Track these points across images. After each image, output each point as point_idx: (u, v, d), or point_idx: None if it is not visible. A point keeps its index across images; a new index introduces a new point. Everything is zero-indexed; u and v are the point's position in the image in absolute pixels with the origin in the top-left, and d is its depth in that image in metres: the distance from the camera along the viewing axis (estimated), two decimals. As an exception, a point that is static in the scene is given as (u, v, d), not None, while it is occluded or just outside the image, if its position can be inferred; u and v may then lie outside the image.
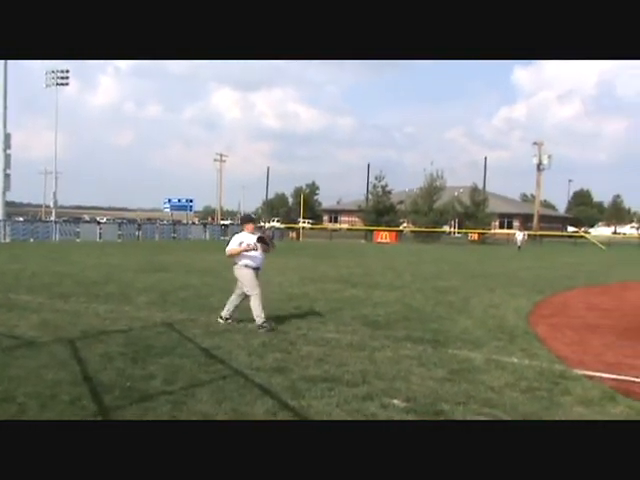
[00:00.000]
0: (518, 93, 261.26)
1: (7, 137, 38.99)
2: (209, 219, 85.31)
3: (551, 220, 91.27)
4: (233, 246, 8.83)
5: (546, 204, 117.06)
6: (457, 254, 35.06)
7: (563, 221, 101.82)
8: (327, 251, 34.11)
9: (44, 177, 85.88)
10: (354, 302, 11.78)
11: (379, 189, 60.87)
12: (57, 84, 55.43)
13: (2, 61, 37.86)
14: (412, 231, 59.40)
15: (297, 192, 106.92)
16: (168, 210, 73.98)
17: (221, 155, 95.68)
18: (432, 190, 58.41)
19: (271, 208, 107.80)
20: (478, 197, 61.01)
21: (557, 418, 5.09)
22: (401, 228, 61.54)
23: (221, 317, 9.04)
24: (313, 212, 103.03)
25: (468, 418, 5.01)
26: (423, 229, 56.56)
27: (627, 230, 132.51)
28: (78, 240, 37.61)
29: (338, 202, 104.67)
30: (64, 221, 44.95)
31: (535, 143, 73.90)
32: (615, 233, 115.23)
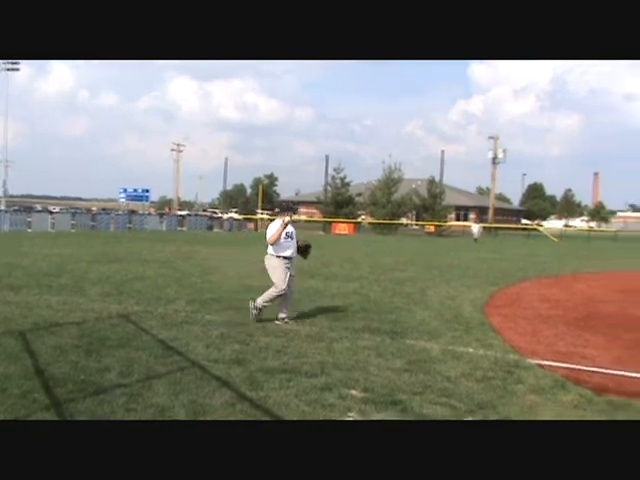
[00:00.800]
0: (474, 87, 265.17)
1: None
2: (166, 209, 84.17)
3: (506, 213, 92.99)
4: (270, 233, 8.64)
5: (501, 197, 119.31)
6: (414, 246, 35.46)
7: (517, 214, 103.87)
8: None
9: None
10: (312, 293, 11.80)
11: (338, 181, 61.10)
12: (7, 69, 53.78)
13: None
14: (370, 223, 59.81)
15: (256, 183, 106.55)
16: (124, 200, 72.79)
17: (178, 145, 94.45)
18: (390, 182, 58.90)
19: (229, 199, 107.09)
20: (435, 190, 61.84)
21: (511, 406, 5.20)
22: (359, 220, 61.89)
23: (278, 319, 8.64)
24: (271, 203, 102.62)
25: (424, 409, 5.08)
26: (381, 221, 57.01)
27: (577, 223, 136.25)
28: (29, 230, 36.65)
29: (297, 194, 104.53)
30: (14, 210, 43.73)
31: (491, 137, 75.13)
32: (566, 226, 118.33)
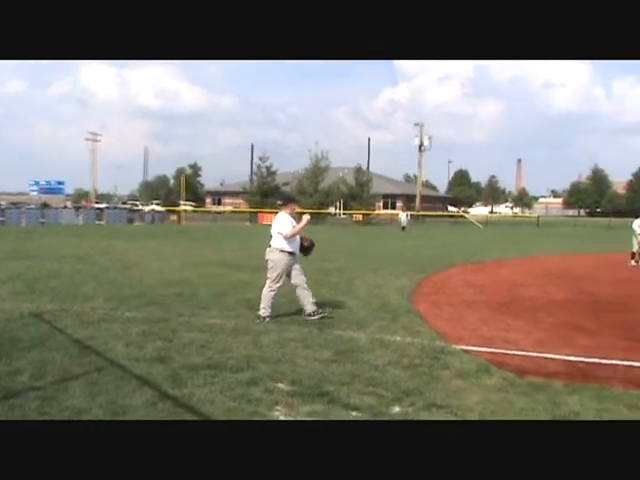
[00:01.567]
0: (400, 75, 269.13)
1: None
2: (83, 202, 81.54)
3: (433, 200, 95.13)
4: (289, 228, 8.50)
5: (428, 185, 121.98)
6: (342, 235, 35.80)
7: (444, 201, 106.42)
8: (210, 234, 33.69)
9: None
10: (238, 286, 11.74)
11: (263, 170, 60.85)
12: None
13: None
14: (298, 212, 59.68)
15: (178, 173, 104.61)
16: (36, 193, 69.93)
17: (94, 134, 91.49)
18: (317, 171, 59.13)
19: (150, 190, 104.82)
20: (362, 178, 62.56)
21: (437, 392, 5.35)
22: (286, 210, 61.73)
23: (308, 314, 8.49)
24: (195, 194, 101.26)
25: (352, 399, 5.15)
26: (308, 210, 57.19)
27: (502, 209, 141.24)
28: None
29: (221, 184, 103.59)
30: None
31: (416, 124, 76.50)
32: (491, 212, 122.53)
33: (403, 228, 45.08)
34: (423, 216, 64.51)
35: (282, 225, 8.62)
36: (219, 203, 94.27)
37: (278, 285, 8.55)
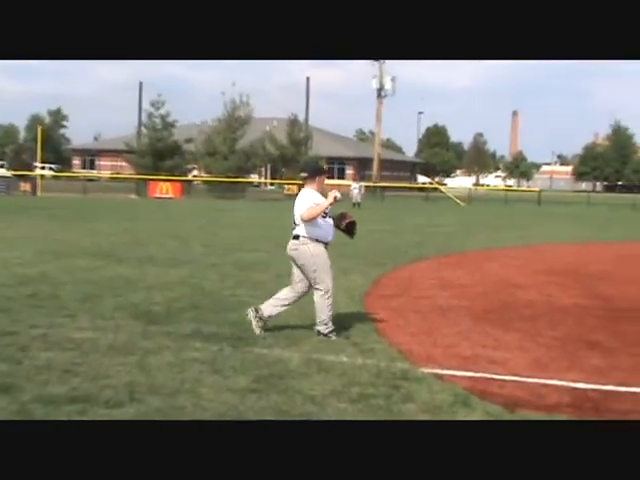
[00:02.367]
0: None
1: None
2: None
3: (396, 167, 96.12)
4: (310, 208, 8.45)
5: (390, 145, 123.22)
6: (269, 214, 35.77)
7: (412, 168, 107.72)
8: (79, 211, 33.14)
9: None
10: (119, 285, 11.65)
11: (157, 120, 60.11)
12: None
13: None
14: (206, 182, 59.54)
15: (34, 123, 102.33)
16: None
17: None
18: (234, 123, 58.75)
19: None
20: (298, 134, 62.55)
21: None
22: (190, 177, 61.41)
23: (258, 317, 8.60)
24: (58, 153, 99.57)
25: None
26: (222, 179, 56.91)
27: (491, 181, 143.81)
28: None
29: (96, 138, 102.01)
30: None
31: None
32: (477, 184, 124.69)
33: (356, 205, 45.36)
34: (382, 188, 65.11)
35: (303, 204, 8.60)
36: (92, 166, 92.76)
37: (330, 285, 8.57)
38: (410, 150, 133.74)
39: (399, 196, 65.12)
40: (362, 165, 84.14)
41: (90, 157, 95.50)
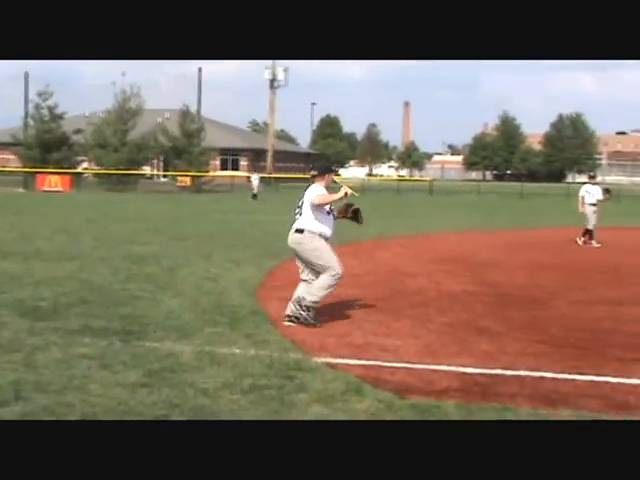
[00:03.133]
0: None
1: None
2: None
3: (291, 158, 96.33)
4: (322, 195, 9.06)
5: (284, 136, 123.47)
6: (162, 207, 35.44)
7: (306, 159, 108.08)
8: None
9: None
10: (4, 281, 11.39)
11: (45, 111, 58.71)
12: None
13: None
14: (96, 174, 58.45)
15: None
16: None
17: None
18: (125, 114, 57.92)
19: None
20: (191, 125, 62.03)
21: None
22: (80, 170, 60.15)
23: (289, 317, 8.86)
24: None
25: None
26: (112, 171, 55.98)
27: (384, 171, 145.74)
28: None
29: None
30: None
31: (267, 50, 76.86)
32: (370, 175, 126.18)
33: (255, 196, 45.29)
34: (277, 179, 65.18)
35: (314, 193, 9.14)
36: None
37: (340, 270, 8.90)
38: (304, 141, 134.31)
39: (293, 187, 65.19)
40: (256, 156, 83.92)
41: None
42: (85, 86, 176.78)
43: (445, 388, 6.46)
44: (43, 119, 58.73)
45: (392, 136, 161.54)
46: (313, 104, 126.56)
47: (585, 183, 22.13)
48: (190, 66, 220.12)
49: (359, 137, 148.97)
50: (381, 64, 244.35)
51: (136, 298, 10.24)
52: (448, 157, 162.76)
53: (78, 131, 58.90)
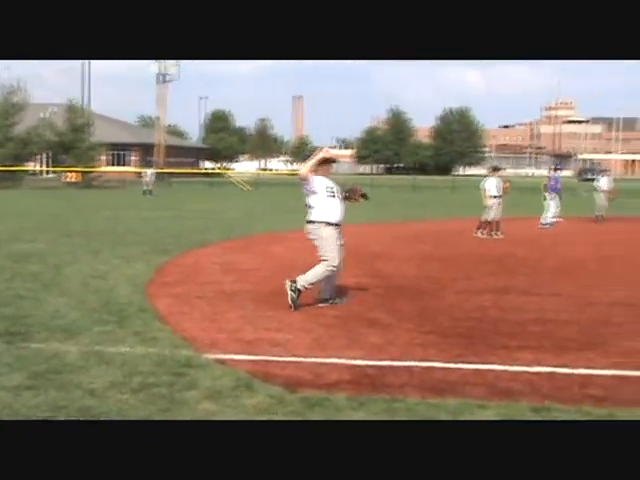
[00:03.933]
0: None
1: None
2: None
3: (181, 152, 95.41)
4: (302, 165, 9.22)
5: (174, 131, 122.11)
6: (48, 203, 34.61)
7: (197, 154, 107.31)
8: None
9: None
10: None
11: None
12: None
13: None
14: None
15: None
16: None
17: None
18: (10, 109, 56.30)
19: None
20: (78, 120, 60.77)
21: (179, 419, 5.41)
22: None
23: (325, 300, 9.88)
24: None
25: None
26: (-4, 167, 54.30)
27: (276, 165, 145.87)
28: None
29: None
30: None
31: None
32: (263, 169, 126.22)
33: (148, 192, 44.72)
34: (169, 174, 64.46)
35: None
36: None
37: (336, 263, 9.60)
38: (195, 136, 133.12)
39: (185, 182, 64.74)
40: (146, 151, 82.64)
41: None
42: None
43: (335, 381, 6.51)
44: None
45: (284, 130, 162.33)
46: (202, 99, 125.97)
47: (487, 176, 22.67)
48: (72, 63, 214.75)
49: (250, 131, 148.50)
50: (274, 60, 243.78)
51: (20, 298, 9.97)
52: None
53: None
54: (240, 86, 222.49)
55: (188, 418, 5.47)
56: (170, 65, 75.13)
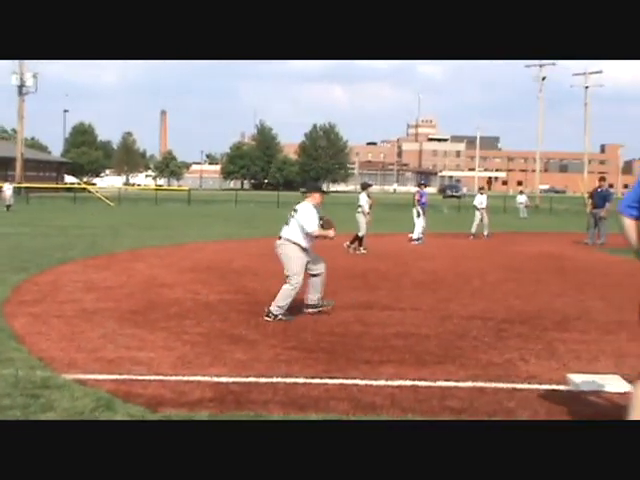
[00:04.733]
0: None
1: None
2: None
3: (42, 167, 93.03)
4: (316, 226, 10.38)
5: (35, 144, 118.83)
6: None
7: (59, 168, 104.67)
8: None
9: None
10: None
11: None
12: None
13: None
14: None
15: None
16: None
17: None
18: None
19: None
20: None
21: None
22: None
23: (308, 306, 10.67)
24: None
25: None
26: None
27: (142, 180, 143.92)
28: None
29: None
30: None
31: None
32: (127, 184, 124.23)
33: (8, 207, 43.44)
34: (28, 189, 62.53)
35: (309, 220, 10.37)
36: None
37: (300, 282, 10.28)
38: (57, 149, 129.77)
39: (46, 197, 62.96)
40: (4, 165, 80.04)
41: None
42: None
43: (199, 399, 6.47)
44: None
45: (150, 145, 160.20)
46: (66, 111, 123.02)
47: (360, 192, 22.95)
48: None
49: (115, 145, 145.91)
50: (137, 70, 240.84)
51: None
52: (206, 166, 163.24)
53: None
54: (104, 100, 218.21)
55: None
56: (28, 77, 72.92)
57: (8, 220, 33.50)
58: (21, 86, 72.83)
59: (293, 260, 10.29)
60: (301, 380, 7.16)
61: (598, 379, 7.27)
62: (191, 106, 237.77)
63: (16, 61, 72.24)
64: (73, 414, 5.94)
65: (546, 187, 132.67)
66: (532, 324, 10.36)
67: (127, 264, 16.81)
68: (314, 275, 10.60)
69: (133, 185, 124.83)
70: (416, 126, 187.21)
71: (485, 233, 28.17)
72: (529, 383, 7.31)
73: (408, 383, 7.15)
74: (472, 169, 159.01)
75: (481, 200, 29.15)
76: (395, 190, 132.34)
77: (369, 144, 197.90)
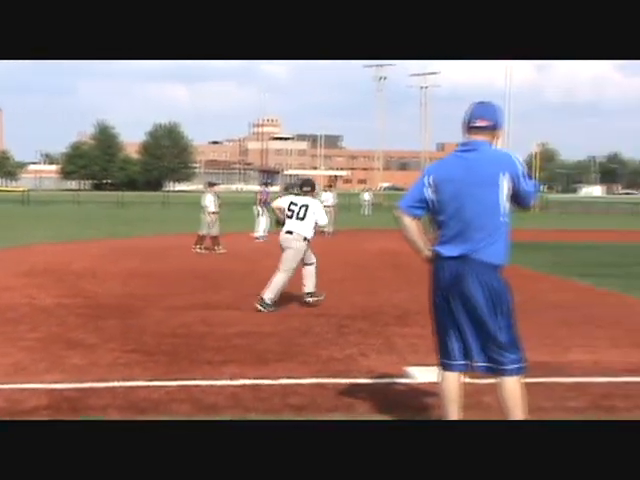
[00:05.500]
0: None
1: None
2: None
3: None
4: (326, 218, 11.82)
5: None
6: None
7: None
8: None
9: None
10: None
11: None
12: None
13: None
14: None
15: None
16: None
17: None
18: None
19: None
20: None
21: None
22: None
23: (308, 294, 11.52)
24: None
25: None
26: None
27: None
28: None
29: None
30: None
31: None
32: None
33: None
34: None
35: (324, 214, 11.59)
36: None
37: (291, 274, 11.18)
38: None
39: None
40: None
41: None
42: None
43: (33, 407, 6.26)
44: None
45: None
46: None
47: (204, 192, 22.83)
48: None
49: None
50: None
51: None
52: (44, 166, 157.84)
53: None
54: None
55: None
56: None
57: None
58: None
59: (299, 256, 11.12)
60: (141, 383, 7.05)
61: (435, 370, 7.51)
62: (29, 105, 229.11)
63: None
64: None
65: (388, 185, 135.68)
66: (373, 319, 10.58)
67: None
68: (309, 264, 11.46)
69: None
70: (260, 125, 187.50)
71: (330, 230, 28.53)
72: (369, 377, 7.47)
73: (250, 382, 7.17)
74: (315, 167, 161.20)
75: (327, 197, 29.74)
76: (242, 189, 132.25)
77: (213, 143, 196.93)
